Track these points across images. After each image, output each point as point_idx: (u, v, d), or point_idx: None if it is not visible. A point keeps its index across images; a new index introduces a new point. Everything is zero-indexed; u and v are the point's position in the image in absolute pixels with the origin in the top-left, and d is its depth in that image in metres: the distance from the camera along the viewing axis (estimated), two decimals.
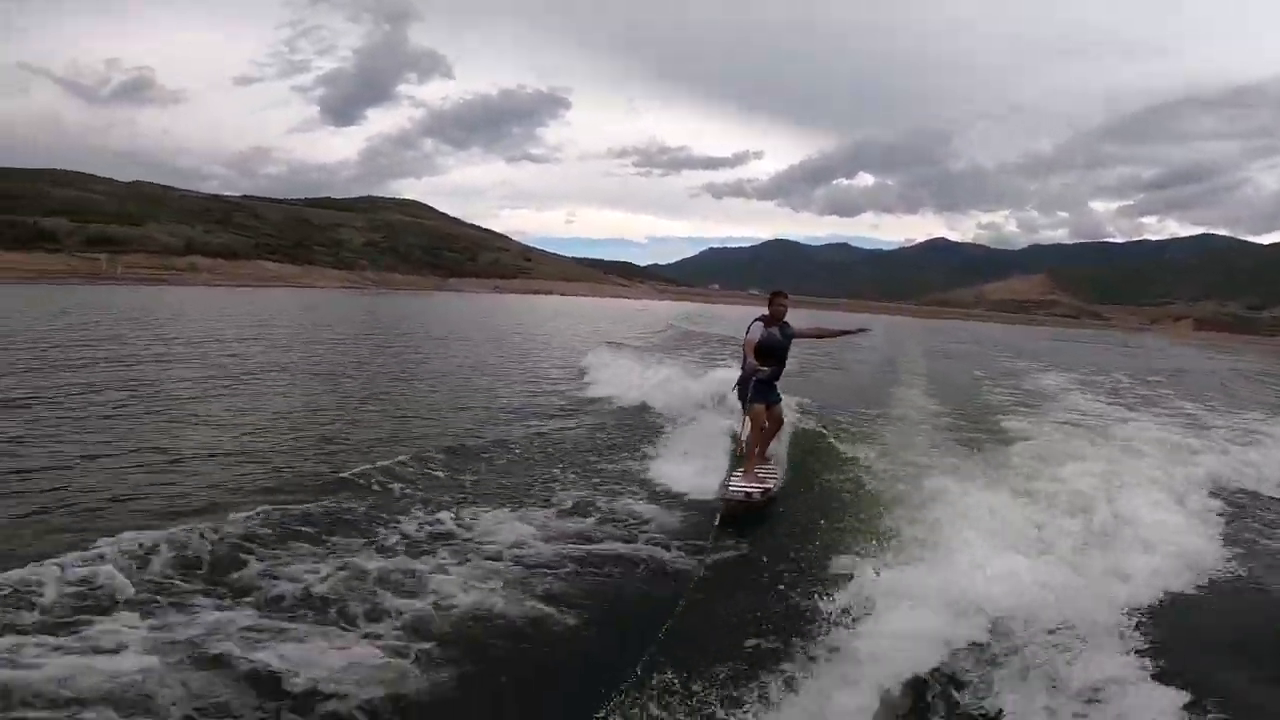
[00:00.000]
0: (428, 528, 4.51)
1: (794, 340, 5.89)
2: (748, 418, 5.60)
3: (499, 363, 14.83)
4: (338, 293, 61.83)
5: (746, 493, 5.16)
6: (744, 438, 5.70)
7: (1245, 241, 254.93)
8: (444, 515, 4.69)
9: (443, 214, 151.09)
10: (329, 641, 3.09)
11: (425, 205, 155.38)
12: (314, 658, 2.95)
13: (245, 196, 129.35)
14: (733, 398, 6.08)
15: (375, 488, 5.31)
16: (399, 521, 4.58)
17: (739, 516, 4.88)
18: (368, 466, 5.69)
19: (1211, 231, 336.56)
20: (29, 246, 56.54)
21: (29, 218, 63.84)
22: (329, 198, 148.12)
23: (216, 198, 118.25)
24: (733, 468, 5.83)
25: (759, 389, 5.59)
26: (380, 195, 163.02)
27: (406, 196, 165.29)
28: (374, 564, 3.84)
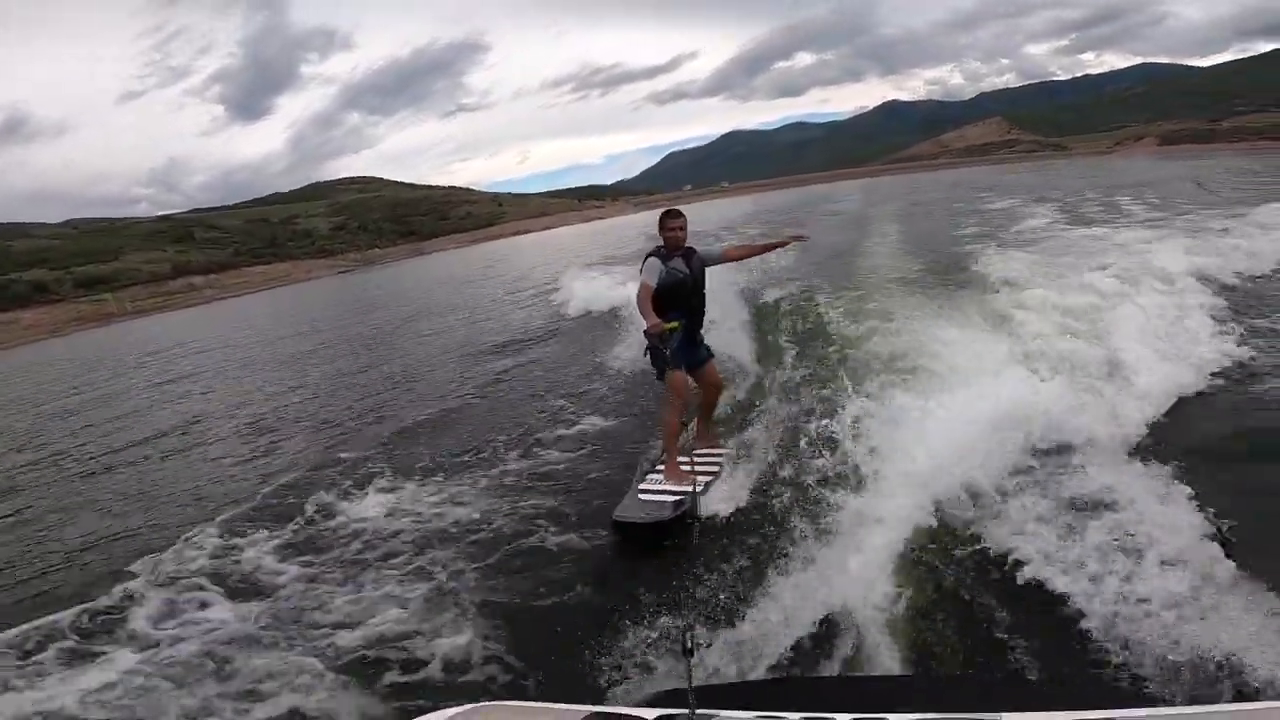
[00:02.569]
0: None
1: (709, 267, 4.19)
2: (666, 392, 4.00)
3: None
4: (335, 279, 63.05)
5: (676, 502, 3.65)
6: (663, 419, 4.09)
7: (1186, 66, 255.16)
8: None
9: (397, 182, 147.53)
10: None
11: (377, 178, 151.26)
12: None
13: (193, 210, 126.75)
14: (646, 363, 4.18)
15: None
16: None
17: (650, 535, 3.54)
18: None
19: (1150, 60, 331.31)
20: (30, 303, 57.63)
21: (8, 275, 64.06)
22: (277, 192, 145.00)
23: (165, 218, 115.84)
24: (649, 466, 4.23)
25: (679, 348, 3.97)
26: (326, 179, 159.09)
27: (351, 175, 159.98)
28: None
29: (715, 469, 4.07)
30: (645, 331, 3.75)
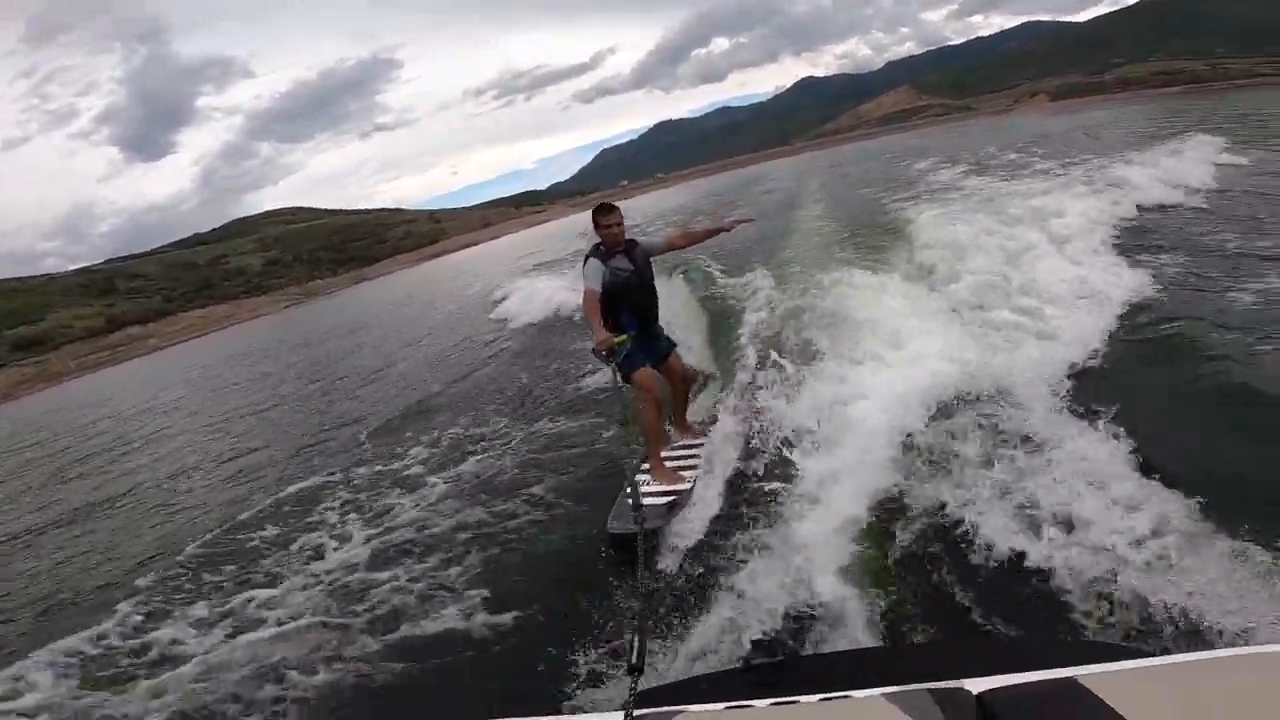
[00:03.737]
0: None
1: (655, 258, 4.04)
2: (637, 392, 3.84)
3: None
4: (283, 314, 61.99)
5: (669, 503, 3.54)
6: (641, 421, 3.91)
7: (1065, 22, 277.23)
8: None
9: (328, 209, 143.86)
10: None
11: (305, 208, 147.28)
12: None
13: (109, 260, 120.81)
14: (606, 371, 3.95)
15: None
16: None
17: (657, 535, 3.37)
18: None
19: (1033, 19, 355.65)
20: None
21: None
22: (197, 233, 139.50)
23: (84, 271, 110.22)
24: (633, 471, 3.80)
25: (638, 348, 3.82)
26: (249, 214, 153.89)
27: (273, 206, 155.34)
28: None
29: (700, 461, 3.94)
30: (593, 350, 3.47)
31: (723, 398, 4.60)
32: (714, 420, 4.39)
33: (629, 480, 3.00)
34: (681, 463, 3.95)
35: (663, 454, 3.94)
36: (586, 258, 3.77)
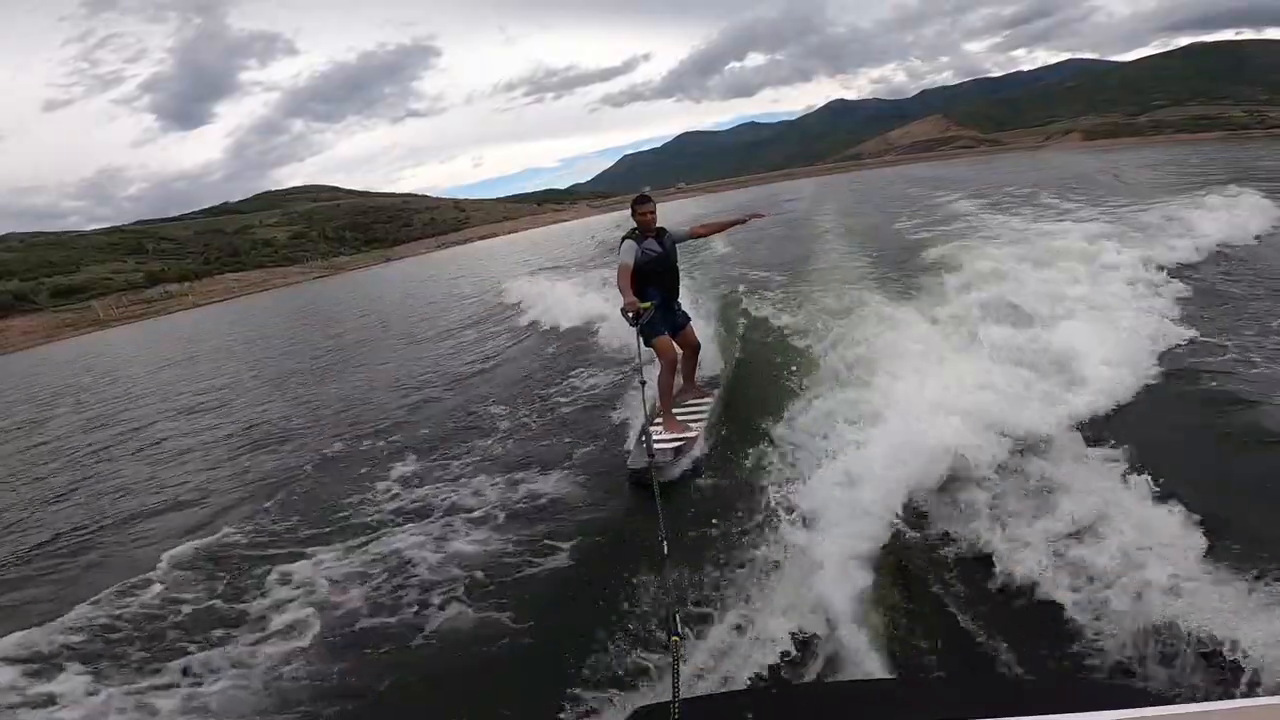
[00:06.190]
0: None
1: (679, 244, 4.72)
2: (656, 355, 4.56)
3: None
4: (314, 284, 63.27)
5: (676, 448, 4.20)
6: (657, 379, 4.52)
7: (1109, 61, 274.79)
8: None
9: (351, 190, 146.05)
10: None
11: (330, 186, 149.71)
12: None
13: (137, 222, 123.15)
14: (631, 334, 4.42)
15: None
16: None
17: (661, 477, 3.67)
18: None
19: (1078, 56, 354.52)
20: (13, 312, 59.61)
21: None
22: (226, 202, 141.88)
23: (114, 229, 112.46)
24: (649, 419, 4.35)
25: (660, 319, 4.50)
26: (274, 189, 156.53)
27: (295, 184, 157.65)
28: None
29: (704, 417, 4.70)
30: (622, 309, 4.21)
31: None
32: (716, 385, 5.18)
33: (643, 429, 3.74)
34: (689, 416, 4.71)
35: (673, 409, 4.65)
36: (623, 239, 4.49)
